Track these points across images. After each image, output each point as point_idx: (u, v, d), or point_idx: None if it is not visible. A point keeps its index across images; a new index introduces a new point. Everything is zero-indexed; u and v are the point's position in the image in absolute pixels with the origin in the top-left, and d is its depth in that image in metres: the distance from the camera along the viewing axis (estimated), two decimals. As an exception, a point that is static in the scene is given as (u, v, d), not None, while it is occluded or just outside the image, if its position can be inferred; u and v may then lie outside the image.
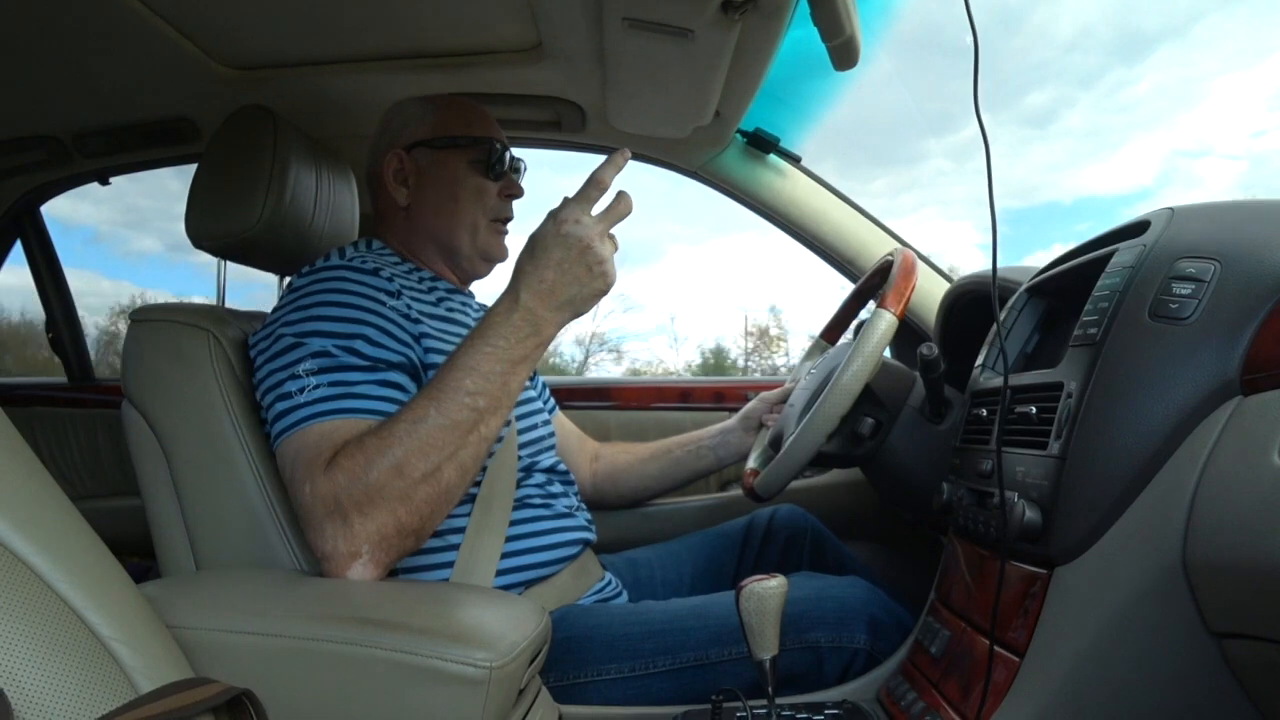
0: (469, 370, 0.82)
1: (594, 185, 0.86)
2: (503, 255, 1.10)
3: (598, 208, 0.86)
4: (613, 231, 0.86)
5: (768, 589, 0.71)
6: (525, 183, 1.14)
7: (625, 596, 1.12)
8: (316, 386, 0.84)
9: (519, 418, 1.04)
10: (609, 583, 1.10)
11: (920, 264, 1.13)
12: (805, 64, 1.20)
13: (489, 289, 3.32)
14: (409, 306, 0.93)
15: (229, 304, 1.23)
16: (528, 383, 1.17)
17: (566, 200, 0.86)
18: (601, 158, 1.47)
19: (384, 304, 0.90)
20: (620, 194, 0.87)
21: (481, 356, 0.83)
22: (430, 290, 1.03)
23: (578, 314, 0.86)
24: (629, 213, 0.87)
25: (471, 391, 0.82)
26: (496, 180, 1.07)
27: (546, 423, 1.13)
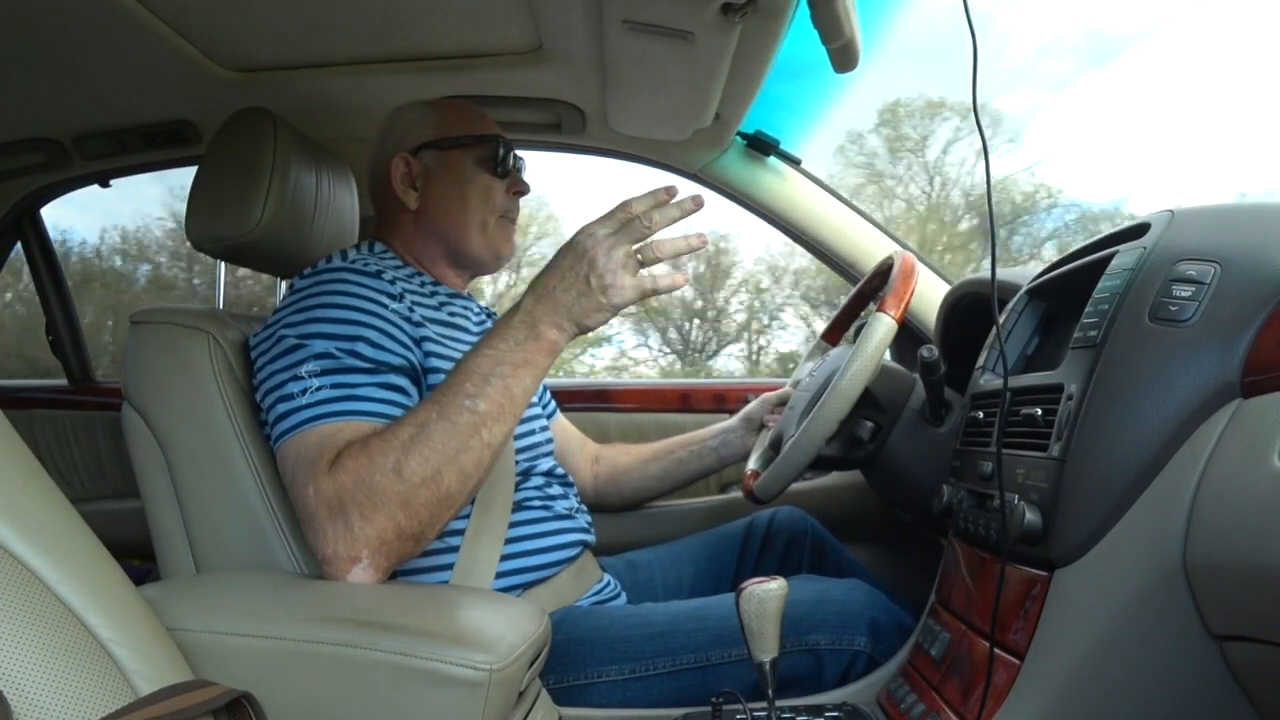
0: (469, 373, 0.83)
1: (620, 208, 0.83)
2: (511, 251, 1.11)
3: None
4: (663, 267, 0.83)
5: (768, 591, 0.71)
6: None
7: (624, 598, 1.12)
8: (320, 388, 0.84)
9: None
10: (607, 584, 1.10)
11: (920, 266, 1.13)
12: (804, 65, 1.20)
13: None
14: (411, 309, 0.93)
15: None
16: None
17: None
18: (600, 159, 1.50)
19: (385, 306, 0.90)
20: (640, 214, 0.83)
21: (482, 359, 0.83)
22: (432, 294, 1.03)
23: (580, 327, 0.84)
24: (644, 237, 0.82)
25: (471, 394, 0.82)
26: (503, 178, 1.08)
27: (545, 428, 1.13)
